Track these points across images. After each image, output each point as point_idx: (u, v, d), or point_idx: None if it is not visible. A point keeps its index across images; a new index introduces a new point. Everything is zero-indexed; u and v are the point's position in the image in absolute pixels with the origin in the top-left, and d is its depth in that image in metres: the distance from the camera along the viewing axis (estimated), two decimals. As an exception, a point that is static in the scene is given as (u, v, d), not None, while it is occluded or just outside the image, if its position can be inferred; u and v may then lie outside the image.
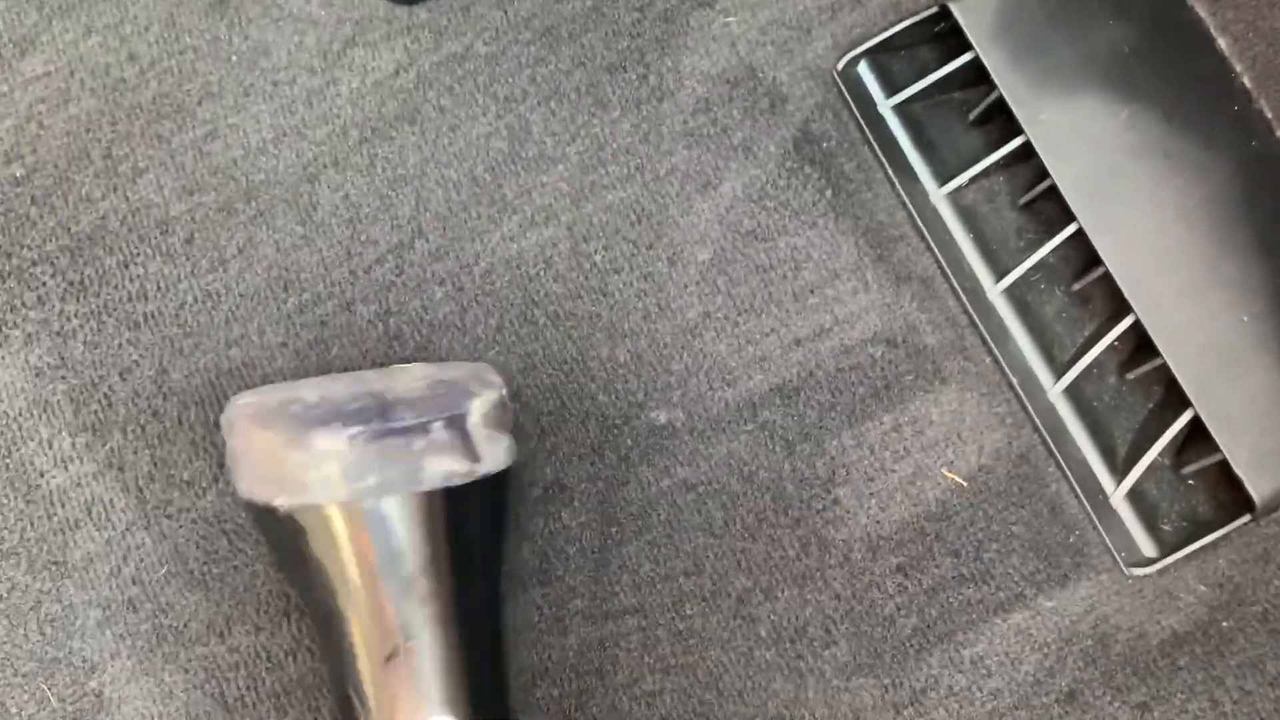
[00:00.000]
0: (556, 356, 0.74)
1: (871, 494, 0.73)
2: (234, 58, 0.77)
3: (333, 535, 0.60)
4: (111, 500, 0.71)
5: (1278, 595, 0.72)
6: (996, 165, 0.76)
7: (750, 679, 0.70)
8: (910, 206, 0.77)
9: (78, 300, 0.74)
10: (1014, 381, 0.74)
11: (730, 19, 0.79)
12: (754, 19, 0.79)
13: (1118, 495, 0.72)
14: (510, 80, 0.78)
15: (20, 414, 0.72)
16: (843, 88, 0.78)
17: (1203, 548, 0.71)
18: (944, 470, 0.73)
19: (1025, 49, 0.75)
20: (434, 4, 0.79)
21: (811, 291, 0.76)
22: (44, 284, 0.74)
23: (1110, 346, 0.73)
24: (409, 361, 0.73)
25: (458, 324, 0.74)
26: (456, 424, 0.60)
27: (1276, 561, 0.72)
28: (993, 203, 0.78)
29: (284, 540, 0.62)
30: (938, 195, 0.77)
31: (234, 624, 0.70)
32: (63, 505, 0.71)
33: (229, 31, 0.78)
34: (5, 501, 0.71)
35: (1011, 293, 0.76)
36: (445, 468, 0.59)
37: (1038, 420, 0.74)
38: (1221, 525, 0.71)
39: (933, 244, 0.76)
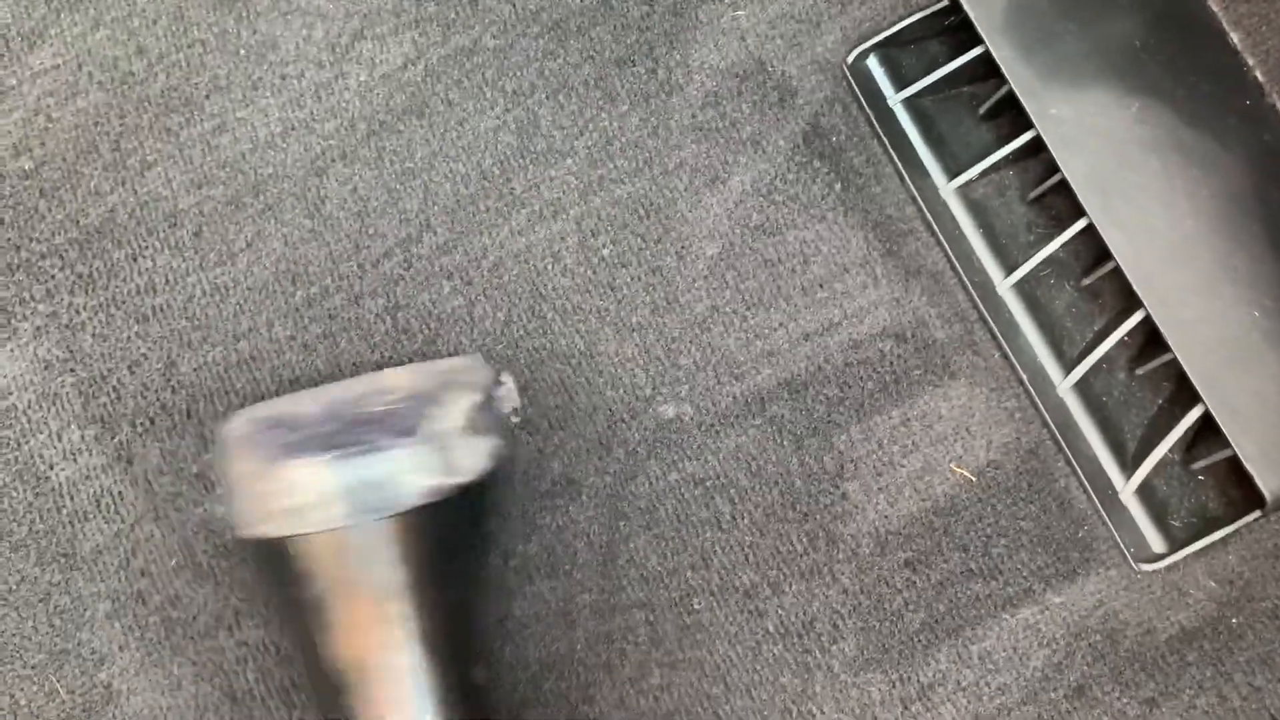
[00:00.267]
0: (564, 351, 0.74)
1: (880, 489, 0.73)
2: (242, 51, 0.77)
3: (310, 562, 0.59)
4: (120, 493, 0.71)
5: (1287, 591, 0.72)
6: (1006, 159, 0.76)
7: (758, 673, 0.70)
8: (920, 201, 0.77)
9: (86, 293, 0.74)
10: (1023, 377, 0.74)
11: (739, 12, 0.79)
12: (763, 12, 0.79)
13: (1127, 490, 0.72)
14: (518, 74, 0.78)
15: (29, 406, 0.72)
16: (852, 81, 0.78)
17: (1212, 544, 0.71)
18: (953, 465, 0.73)
19: (1035, 42, 0.74)
20: (442, -3, 0.79)
21: (820, 286, 0.75)
22: (53, 277, 0.74)
23: (1120, 341, 0.73)
24: (417, 357, 0.73)
25: (465, 318, 0.74)
26: (432, 436, 0.59)
27: (1286, 558, 0.72)
28: (1003, 197, 0.78)
29: (263, 567, 0.62)
30: (947, 189, 0.77)
31: (243, 617, 0.70)
32: (71, 498, 0.71)
33: (237, 25, 0.78)
34: (14, 494, 0.71)
35: (1021, 287, 0.76)
36: (420, 484, 0.59)
37: (1047, 415, 0.73)
38: (1231, 521, 0.71)
39: (942, 238, 0.76)
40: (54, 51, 0.77)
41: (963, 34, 0.76)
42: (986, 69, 0.76)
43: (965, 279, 0.76)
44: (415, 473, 0.59)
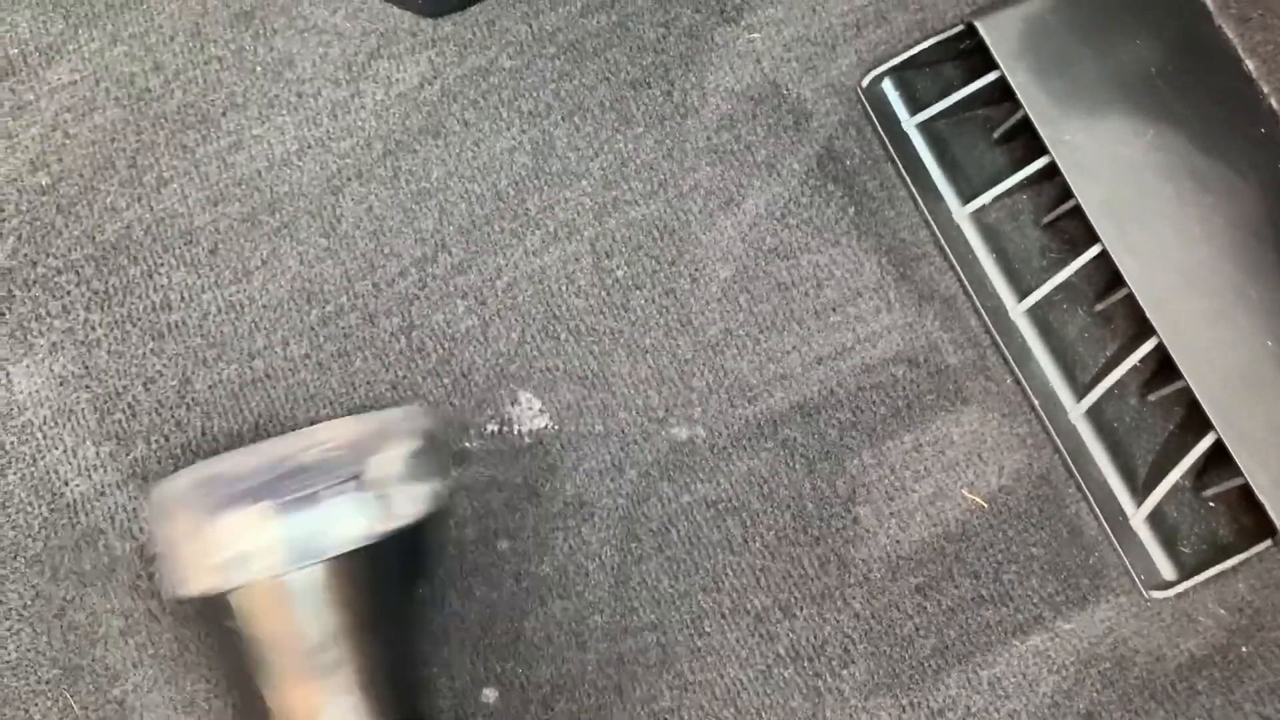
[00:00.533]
0: (578, 371, 0.74)
1: (892, 513, 0.73)
2: (259, 69, 0.78)
3: (246, 612, 0.59)
4: (135, 509, 0.71)
5: (1297, 620, 0.72)
6: (1020, 183, 0.76)
7: (768, 697, 0.70)
8: (933, 225, 0.77)
9: (102, 309, 0.74)
10: (1035, 402, 0.74)
11: (755, 35, 0.79)
12: (779, 35, 0.79)
13: (1138, 517, 0.72)
14: (534, 95, 0.78)
15: (45, 422, 0.72)
16: (867, 105, 0.78)
17: (1222, 572, 0.71)
18: (964, 491, 0.73)
19: (1051, 68, 0.75)
20: (459, 17, 0.79)
21: (834, 310, 0.76)
22: (69, 293, 0.74)
23: (1132, 368, 0.73)
24: (431, 376, 0.74)
25: (480, 337, 0.74)
26: (369, 482, 0.60)
27: (1296, 586, 0.72)
28: (1016, 221, 0.78)
29: (205, 622, 0.62)
30: (961, 214, 0.77)
31: (255, 635, 0.70)
32: (86, 513, 0.71)
33: (254, 42, 0.78)
34: (29, 509, 0.71)
35: (1034, 312, 0.76)
36: (355, 530, 0.59)
37: (1059, 441, 0.74)
38: (1242, 549, 0.71)
39: (955, 263, 0.76)
40: (71, 67, 0.77)
41: (977, 58, 0.77)
42: (1001, 92, 0.76)
43: (978, 304, 0.76)
44: (354, 517, 0.59)
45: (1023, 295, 0.75)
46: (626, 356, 0.75)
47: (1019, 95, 0.74)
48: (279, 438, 0.64)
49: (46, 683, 0.69)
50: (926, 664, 0.71)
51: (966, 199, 0.77)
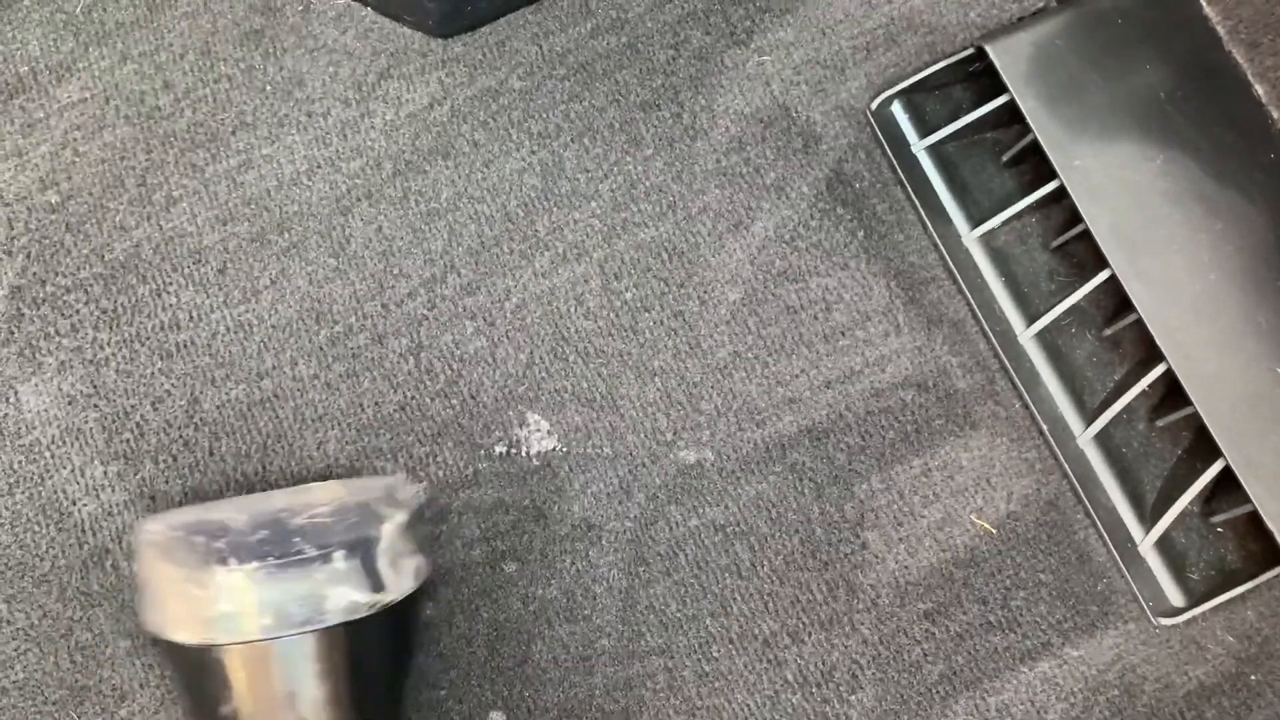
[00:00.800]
0: (586, 393, 0.74)
1: (900, 539, 0.73)
2: (269, 88, 0.78)
3: (231, 672, 0.59)
4: (142, 530, 0.71)
5: (1305, 647, 0.72)
6: (1029, 207, 0.76)
7: (775, 721, 0.70)
8: (942, 248, 0.77)
9: (111, 329, 0.74)
10: (1044, 427, 0.74)
11: (765, 57, 0.79)
12: (788, 58, 0.79)
13: (1146, 544, 0.72)
14: (544, 116, 0.78)
15: (53, 441, 0.72)
16: (876, 128, 0.78)
17: (1231, 599, 0.71)
18: (973, 516, 0.73)
19: (1060, 92, 0.75)
20: (469, 38, 0.79)
21: (842, 333, 0.76)
22: (77, 311, 0.74)
23: (1140, 393, 0.73)
24: (439, 398, 0.73)
25: (488, 359, 0.74)
26: (360, 552, 0.60)
27: (1305, 613, 0.72)
28: (1025, 245, 0.78)
29: (184, 673, 0.61)
30: (970, 237, 0.77)
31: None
32: (94, 533, 0.71)
33: (264, 61, 0.78)
34: (37, 529, 0.71)
35: (1042, 337, 0.76)
36: (347, 600, 0.59)
37: (1067, 467, 0.74)
38: (1251, 576, 0.71)
39: (964, 286, 0.76)
40: (81, 85, 0.77)
41: (987, 81, 0.77)
42: (1010, 116, 0.76)
43: (987, 328, 0.76)
44: (341, 588, 0.59)
45: (1031, 319, 0.75)
46: (635, 379, 0.75)
47: (1028, 119, 0.74)
48: (273, 493, 0.64)
49: (54, 703, 0.69)
50: (934, 690, 0.71)
51: (975, 222, 0.77)
